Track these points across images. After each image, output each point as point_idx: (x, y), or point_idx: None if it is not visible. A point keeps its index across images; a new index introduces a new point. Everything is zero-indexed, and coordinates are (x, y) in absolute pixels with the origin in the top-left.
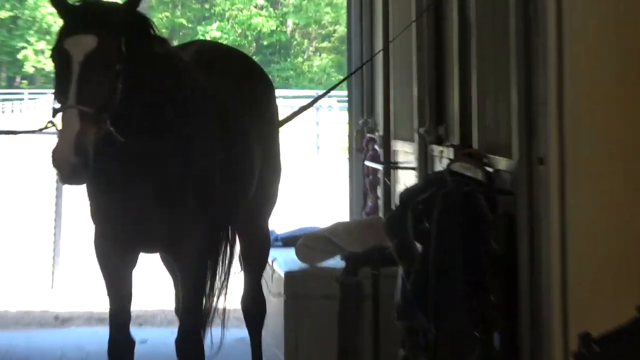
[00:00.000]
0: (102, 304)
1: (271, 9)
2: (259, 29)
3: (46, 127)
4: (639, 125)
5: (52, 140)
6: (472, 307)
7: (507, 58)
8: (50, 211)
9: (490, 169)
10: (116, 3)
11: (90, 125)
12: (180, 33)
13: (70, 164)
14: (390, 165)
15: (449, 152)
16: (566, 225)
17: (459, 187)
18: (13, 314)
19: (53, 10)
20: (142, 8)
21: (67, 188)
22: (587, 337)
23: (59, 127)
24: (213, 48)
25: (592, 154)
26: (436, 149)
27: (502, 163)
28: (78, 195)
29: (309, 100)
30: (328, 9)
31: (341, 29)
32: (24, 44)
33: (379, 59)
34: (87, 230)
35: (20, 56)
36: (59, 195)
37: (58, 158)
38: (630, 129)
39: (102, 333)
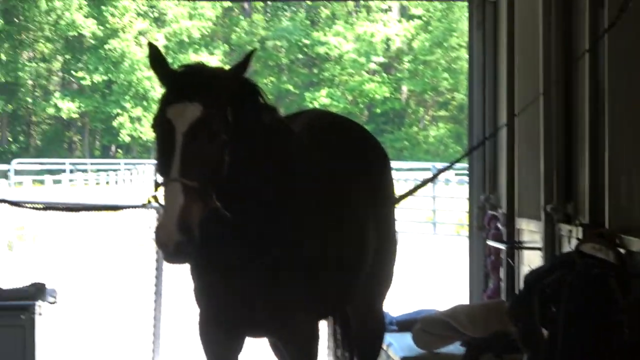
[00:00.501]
0: None
1: (385, 75)
2: (371, 95)
3: (148, 202)
4: None
5: (155, 216)
6: None
7: None
8: (150, 290)
9: (623, 251)
10: (222, 69)
11: (196, 200)
12: (287, 99)
13: (175, 242)
14: (514, 245)
15: (578, 232)
16: None
17: (588, 269)
18: None
19: (151, 74)
20: (247, 73)
21: (168, 266)
22: None
23: (162, 202)
24: (324, 118)
25: None
26: (564, 227)
27: (636, 244)
28: (180, 274)
29: (425, 173)
30: (446, 75)
31: (460, 97)
32: (119, 111)
33: (503, 131)
34: (189, 311)
35: (115, 123)
36: (159, 274)
37: (162, 236)
38: None
39: None
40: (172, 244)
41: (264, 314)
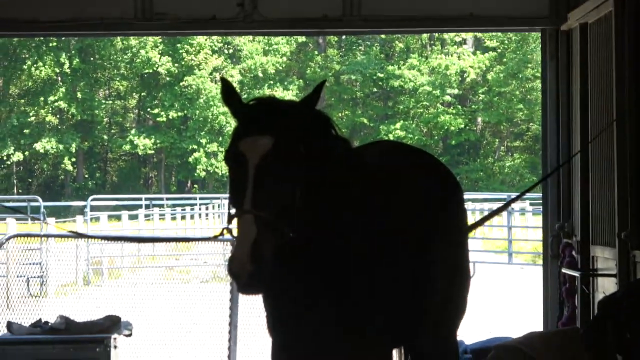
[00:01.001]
0: None
1: (459, 107)
2: (446, 127)
3: (221, 234)
4: None
5: (229, 248)
6: None
7: None
8: (225, 321)
9: None
10: (293, 101)
11: (269, 231)
12: (362, 133)
13: (248, 273)
14: (589, 272)
15: None
16: None
17: None
18: None
19: (226, 110)
20: (322, 107)
21: (243, 297)
22: None
23: (235, 233)
24: (397, 149)
25: None
26: (638, 254)
27: None
28: (254, 305)
29: (500, 203)
30: (521, 106)
31: (535, 127)
32: (195, 146)
33: (577, 159)
34: (264, 342)
35: (191, 159)
36: (234, 305)
37: (236, 266)
38: None
39: None
40: (245, 274)
41: (336, 348)
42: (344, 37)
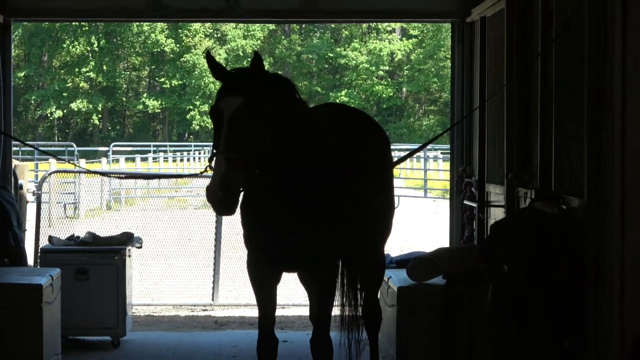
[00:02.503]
0: (252, 312)
1: (389, 79)
2: (379, 95)
3: (206, 171)
4: None
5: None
6: (548, 316)
7: (581, 119)
8: (212, 238)
9: (564, 207)
10: (266, 71)
11: (237, 168)
12: (316, 98)
13: (219, 199)
14: (484, 204)
15: (531, 194)
16: (625, 256)
17: (538, 221)
18: (182, 319)
19: (213, 79)
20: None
21: (225, 219)
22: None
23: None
24: (344, 110)
25: None
26: (521, 190)
27: (574, 202)
28: (233, 225)
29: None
30: (435, 79)
31: (445, 95)
32: (191, 107)
33: (477, 118)
34: (240, 253)
35: (188, 117)
36: (218, 225)
37: (209, 194)
38: None
39: (253, 334)
40: (217, 200)
41: (298, 255)
42: (303, 25)
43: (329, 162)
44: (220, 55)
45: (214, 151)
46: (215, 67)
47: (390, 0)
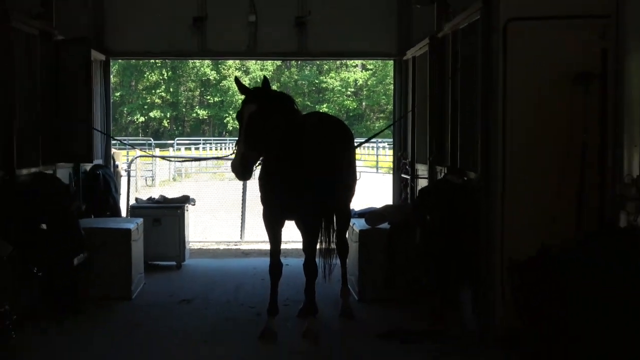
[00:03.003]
0: (267, 246)
1: (354, 97)
2: (347, 107)
3: (233, 153)
4: (559, 157)
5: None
6: (455, 247)
7: (476, 121)
8: (240, 198)
9: (465, 178)
10: (271, 89)
11: (251, 151)
12: (307, 109)
13: (238, 172)
14: (414, 177)
15: (444, 170)
16: (504, 208)
17: (449, 187)
18: (221, 251)
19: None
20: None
21: (248, 186)
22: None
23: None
24: (325, 116)
25: (521, 172)
26: (438, 167)
27: (472, 175)
28: (255, 190)
29: (372, 144)
30: (384, 97)
31: (389, 107)
32: (227, 115)
33: (409, 121)
34: (258, 209)
35: (225, 121)
36: (244, 190)
37: (232, 167)
38: (550, 159)
39: (267, 260)
40: (236, 172)
41: (295, 210)
42: (299, 62)
43: (315, 149)
44: (245, 81)
45: (237, 139)
46: (241, 87)
47: (353, 45)
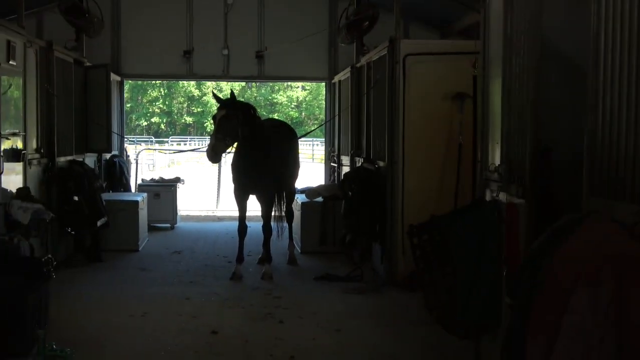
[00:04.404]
0: (236, 213)
1: (296, 109)
2: (292, 116)
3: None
4: (442, 153)
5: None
6: (369, 215)
7: (384, 124)
8: (215, 175)
9: (377, 165)
10: (238, 100)
11: (221, 142)
12: (264, 116)
13: (210, 156)
14: (339, 165)
15: (362, 160)
16: (404, 188)
17: (365, 172)
18: (202, 216)
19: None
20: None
21: (222, 168)
22: (410, 225)
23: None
24: (277, 120)
25: (416, 162)
26: (357, 159)
27: (382, 163)
28: (227, 170)
29: (307, 143)
30: (317, 109)
31: (322, 115)
32: (206, 120)
33: (336, 125)
34: (229, 185)
35: (205, 125)
36: (219, 171)
37: (207, 154)
38: (435, 153)
39: (236, 223)
40: (209, 157)
41: (258, 187)
42: (257, 83)
43: (272, 143)
44: (220, 95)
45: (210, 135)
46: (216, 98)
47: (297, 71)
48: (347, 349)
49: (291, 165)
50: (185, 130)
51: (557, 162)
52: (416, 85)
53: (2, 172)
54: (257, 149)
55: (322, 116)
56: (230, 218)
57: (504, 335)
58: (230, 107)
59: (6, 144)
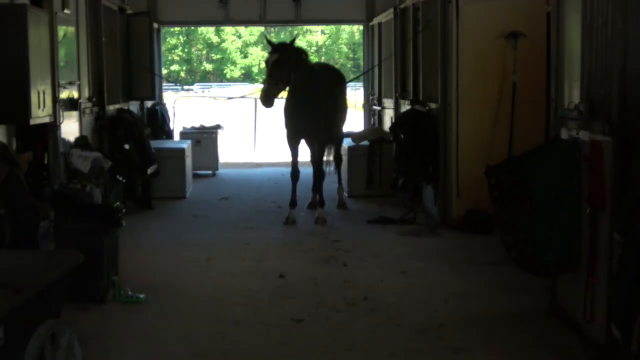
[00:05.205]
0: (273, 159)
1: (316, 53)
2: (311, 60)
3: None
4: (493, 93)
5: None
6: (422, 158)
7: (437, 63)
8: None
9: (427, 108)
10: (292, 44)
11: (274, 87)
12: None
13: (263, 100)
14: (382, 108)
15: (407, 102)
16: (459, 131)
17: (417, 114)
18: (241, 163)
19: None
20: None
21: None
22: (487, 165)
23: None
24: (325, 65)
25: (470, 103)
26: (403, 101)
27: (433, 105)
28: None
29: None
30: (337, 53)
31: (342, 60)
32: (225, 68)
33: (377, 70)
34: (266, 132)
35: (224, 72)
36: (255, 118)
37: (260, 98)
38: (489, 93)
39: (274, 169)
40: (263, 101)
41: (313, 132)
42: (277, 29)
43: (322, 88)
44: (238, 42)
45: (264, 79)
46: (269, 42)
47: (334, 14)
48: (419, 289)
49: (340, 109)
50: (205, 77)
51: None
52: (469, 25)
53: (62, 122)
54: (309, 94)
55: (342, 60)
56: (268, 164)
57: (617, 270)
58: (282, 51)
59: (63, 94)
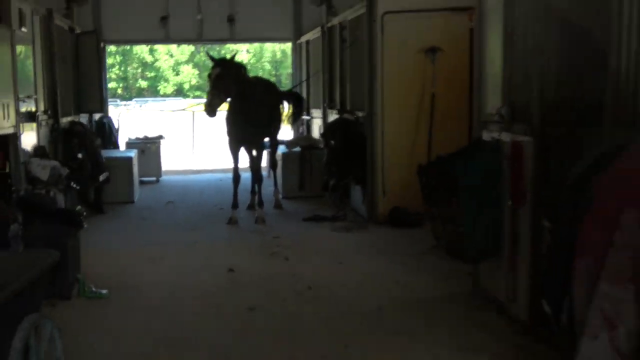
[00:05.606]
0: (211, 166)
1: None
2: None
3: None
4: (414, 102)
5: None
6: (351, 161)
7: (363, 75)
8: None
9: (355, 116)
10: (231, 60)
11: (217, 98)
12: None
13: (207, 111)
14: (311, 118)
15: (334, 111)
16: (384, 138)
17: (346, 121)
18: (181, 170)
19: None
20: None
21: (213, 119)
22: (419, 165)
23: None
24: (261, 78)
25: (393, 111)
26: (331, 111)
27: (361, 113)
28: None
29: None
30: (261, 70)
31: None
32: (158, 85)
33: (304, 84)
34: (205, 142)
35: (157, 89)
36: (193, 128)
37: (204, 108)
38: (410, 103)
39: (214, 175)
40: (207, 111)
41: (251, 140)
42: (208, 46)
43: (260, 99)
44: (170, 61)
45: (207, 91)
46: (211, 57)
47: (266, 33)
48: (357, 278)
49: (276, 119)
50: (140, 94)
51: (568, 98)
52: (393, 41)
53: (22, 134)
54: (248, 104)
55: (266, 77)
56: (206, 171)
57: (546, 255)
58: (223, 65)
59: (23, 107)
